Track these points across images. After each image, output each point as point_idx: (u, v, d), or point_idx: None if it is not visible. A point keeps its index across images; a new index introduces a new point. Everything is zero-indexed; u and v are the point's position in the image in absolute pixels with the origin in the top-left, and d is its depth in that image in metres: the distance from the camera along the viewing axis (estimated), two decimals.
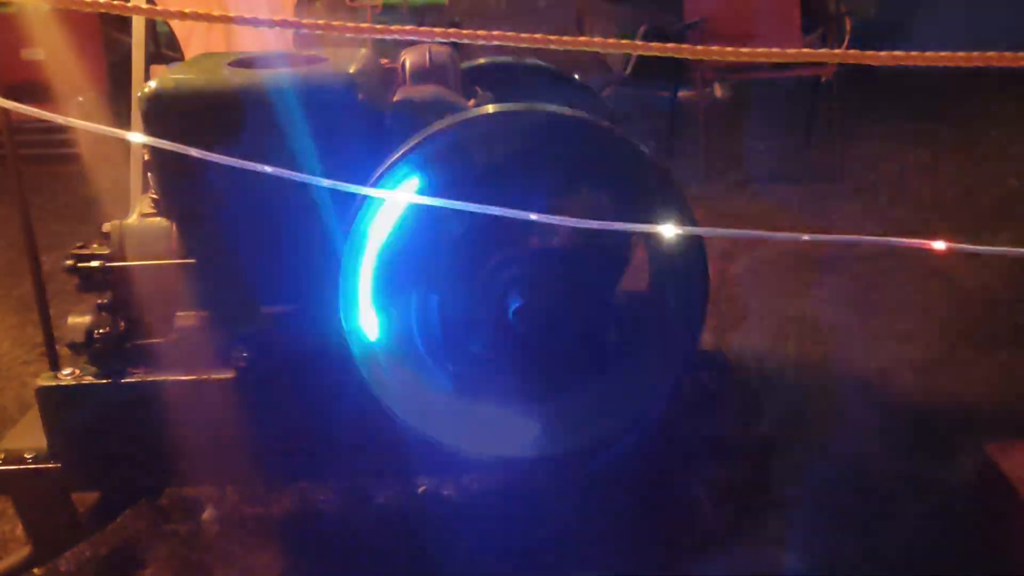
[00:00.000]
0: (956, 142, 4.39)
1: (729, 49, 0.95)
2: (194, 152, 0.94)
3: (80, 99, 3.91)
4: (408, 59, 1.73)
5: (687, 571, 1.72)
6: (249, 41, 2.61)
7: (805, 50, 0.97)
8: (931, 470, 2.03)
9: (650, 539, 1.78)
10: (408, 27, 0.94)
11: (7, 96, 1.16)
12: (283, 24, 0.88)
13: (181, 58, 3.01)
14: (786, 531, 1.83)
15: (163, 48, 3.57)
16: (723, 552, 1.76)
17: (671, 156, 4.14)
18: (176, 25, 2.92)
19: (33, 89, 3.80)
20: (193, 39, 2.92)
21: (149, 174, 1.66)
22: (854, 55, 0.97)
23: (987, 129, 4.51)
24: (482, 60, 2.01)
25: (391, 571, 1.78)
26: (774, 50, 1.00)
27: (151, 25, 2.00)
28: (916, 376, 2.42)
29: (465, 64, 1.86)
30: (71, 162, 4.48)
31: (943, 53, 0.92)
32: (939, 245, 0.98)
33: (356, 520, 1.93)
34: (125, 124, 2.05)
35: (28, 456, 1.59)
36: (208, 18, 1.01)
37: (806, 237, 0.94)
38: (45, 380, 1.56)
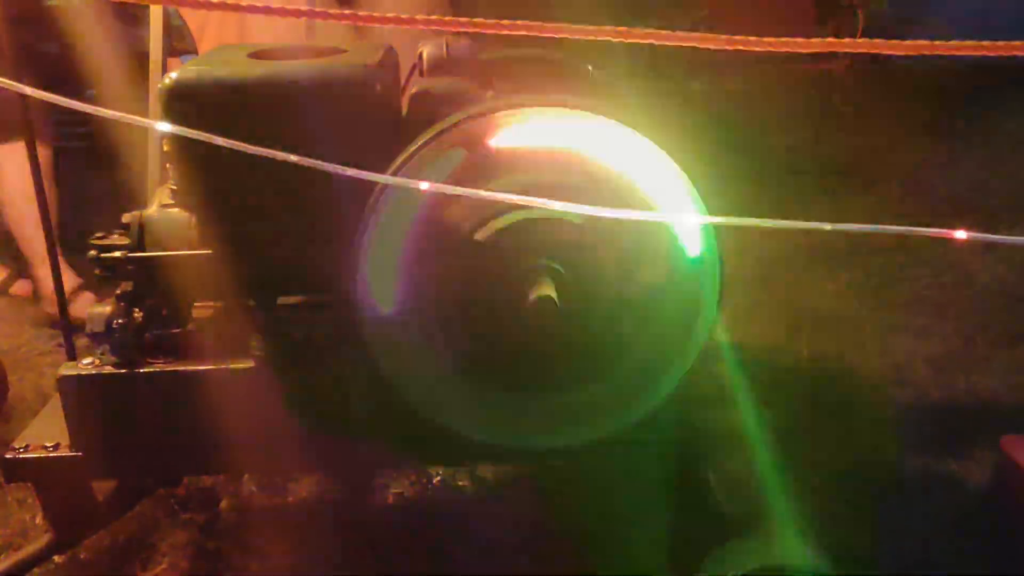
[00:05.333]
0: (970, 135, 4.36)
1: (751, 39, 0.95)
2: (219, 140, 0.94)
3: (91, 92, 3.91)
4: (426, 50, 1.72)
5: (700, 562, 1.72)
6: (263, 34, 2.61)
7: (822, 39, 0.96)
8: (946, 464, 2.03)
9: (663, 530, 1.78)
10: (432, 17, 0.94)
11: None
12: (309, 15, 0.88)
13: (192, 51, 3.02)
14: (799, 525, 1.83)
15: (174, 41, 3.58)
16: (736, 544, 1.76)
17: (683, 147, 4.12)
18: (189, 18, 2.93)
19: (46, 81, 3.82)
20: (206, 32, 2.93)
21: (168, 165, 1.67)
22: (873, 44, 0.96)
23: (1002, 121, 4.48)
24: (499, 52, 2.00)
25: (407, 561, 1.79)
26: (789, 39, 0.99)
27: (167, 17, 2.01)
28: (931, 370, 2.42)
29: (483, 55, 1.86)
30: (89, 152, 4.50)
31: (957, 42, 0.90)
32: (960, 235, 0.98)
33: (372, 509, 1.94)
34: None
35: (49, 445, 1.61)
36: (225, 7, 1.01)
37: (828, 226, 0.94)
38: (66, 369, 1.57)
